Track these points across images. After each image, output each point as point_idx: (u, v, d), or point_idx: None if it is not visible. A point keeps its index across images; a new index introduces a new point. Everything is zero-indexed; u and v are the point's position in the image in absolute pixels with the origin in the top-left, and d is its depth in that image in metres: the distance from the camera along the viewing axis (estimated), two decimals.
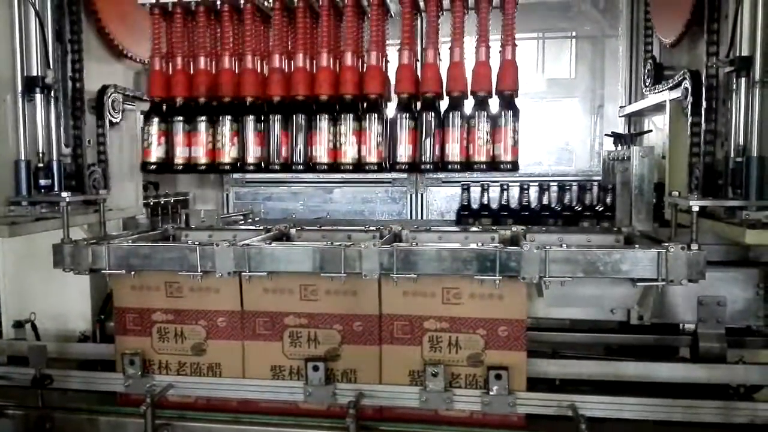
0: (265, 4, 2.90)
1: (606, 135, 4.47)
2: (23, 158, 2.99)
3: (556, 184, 4.10)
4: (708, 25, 2.81)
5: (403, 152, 2.74)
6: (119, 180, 3.57)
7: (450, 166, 2.74)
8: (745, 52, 2.50)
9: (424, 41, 2.82)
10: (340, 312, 2.70)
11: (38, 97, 3.05)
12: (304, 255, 2.55)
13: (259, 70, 2.91)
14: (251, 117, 2.87)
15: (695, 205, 2.38)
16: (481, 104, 2.72)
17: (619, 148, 3.87)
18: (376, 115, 2.76)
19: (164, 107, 2.94)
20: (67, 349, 3.18)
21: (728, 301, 2.85)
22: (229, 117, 2.87)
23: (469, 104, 2.77)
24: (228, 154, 2.89)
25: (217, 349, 2.80)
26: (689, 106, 2.94)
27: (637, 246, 2.52)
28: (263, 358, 2.77)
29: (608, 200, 3.74)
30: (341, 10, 2.82)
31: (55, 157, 3.12)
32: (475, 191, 4.16)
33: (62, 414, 2.82)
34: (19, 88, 3.00)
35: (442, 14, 2.80)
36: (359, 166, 2.80)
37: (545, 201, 4.02)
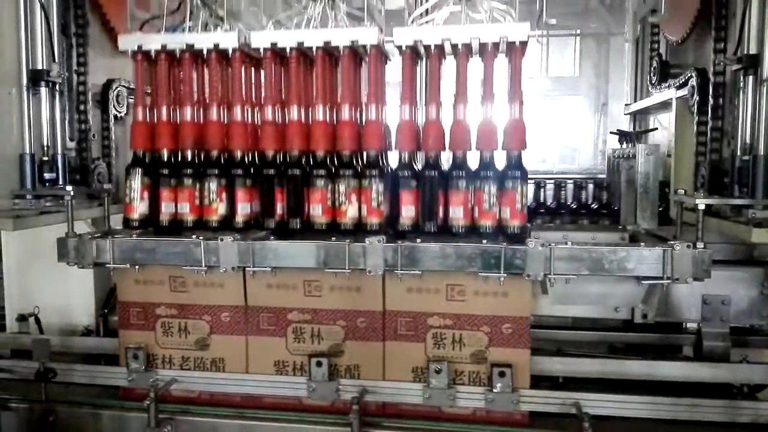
0: (258, 50, 2.68)
1: (611, 133, 4.47)
2: (28, 152, 2.99)
3: (552, 181, 4.08)
4: (715, 22, 2.80)
5: (405, 213, 2.60)
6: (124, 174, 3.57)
7: (454, 230, 2.57)
8: (752, 50, 2.49)
9: (426, 93, 2.66)
10: (343, 308, 2.69)
11: (43, 90, 3.04)
12: (308, 251, 2.54)
13: (250, 121, 2.74)
14: (241, 172, 2.69)
15: (701, 203, 2.37)
16: (487, 165, 2.56)
17: (625, 145, 3.87)
18: (376, 171, 2.60)
19: (147, 160, 2.76)
20: (71, 343, 3.18)
21: (732, 300, 2.84)
22: (216, 171, 2.69)
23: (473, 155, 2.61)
24: (216, 211, 2.71)
25: (220, 343, 2.80)
26: (696, 104, 2.93)
27: (642, 244, 2.51)
28: (267, 354, 2.76)
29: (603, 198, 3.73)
30: (337, 59, 2.67)
31: (59, 151, 3.12)
32: None
33: (65, 408, 2.82)
34: (24, 82, 2.99)
35: (445, 59, 2.62)
36: (360, 226, 2.63)
37: (542, 198, 4.00)
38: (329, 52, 2.64)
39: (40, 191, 2.98)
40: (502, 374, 2.54)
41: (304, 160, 2.68)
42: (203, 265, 2.59)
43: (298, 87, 2.68)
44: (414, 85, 2.65)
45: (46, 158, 3.05)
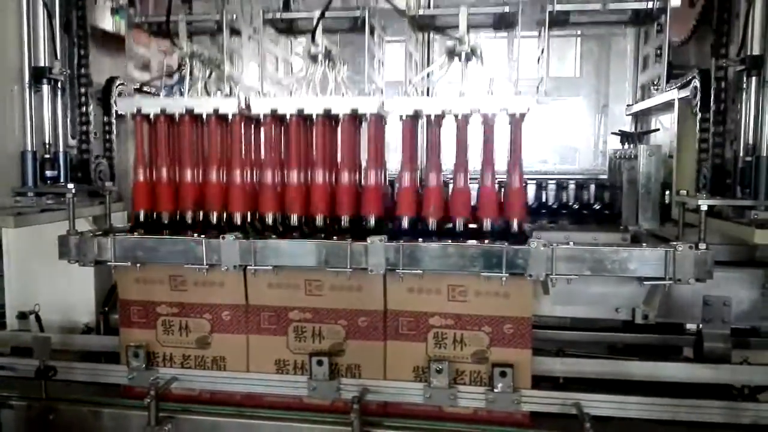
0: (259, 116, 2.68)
1: (613, 133, 4.46)
2: (30, 149, 3.00)
3: (553, 182, 4.08)
4: (718, 24, 2.80)
5: None
6: (125, 172, 3.56)
7: None
8: (756, 51, 2.49)
9: (426, 158, 2.64)
10: (345, 307, 2.69)
11: (45, 88, 3.05)
12: (309, 250, 2.54)
13: (249, 182, 2.73)
14: (239, 235, 2.64)
15: (704, 204, 2.37)
16: (487, 232, 2.55)
17: (626, 146, 3.87)
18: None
19: (149, 221, 2.77)
20: (72, 341, 3.18)
21: (734, 302, 2.84)
22: (216, 234, 2.67)
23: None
24: None
25: (221, 342, 2.80)
26: (698, 105, 2.93)
27: (644, 245, 2.51)
28: (268, 352, 2.76)
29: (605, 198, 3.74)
30: (337, 120, 2.67)
31: (61, 149, 3.13)
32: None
33: (66, 405, 2.82)
34: (27, 79, 3.00)
35: (445, 118, 2.60)
36: None
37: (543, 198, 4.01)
38: (329, 116, 2.63)
39: (41, 189, 2.99)
40: (503, 374, 2.53)
41: (303, 222, 2.68)
42: (205, 263, 2.59)
43: (298, 151, 2.67)
44: (414, 150, 2.66)
45: (47, 156, 3.07)
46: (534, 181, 4.13)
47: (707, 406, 2.54)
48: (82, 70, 3.27)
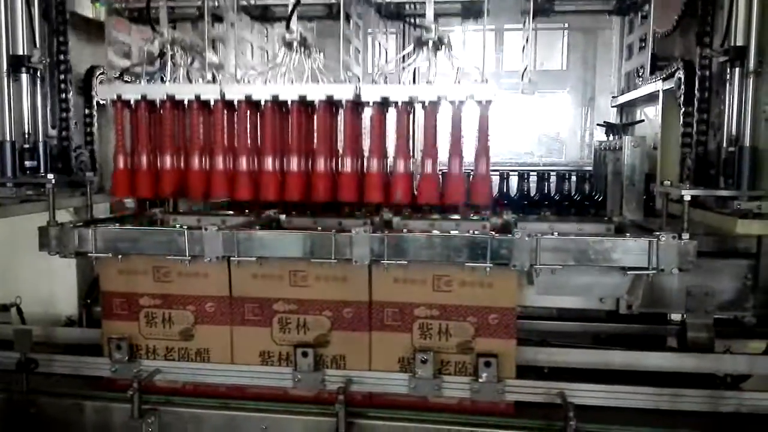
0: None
1: (598, 125, 4.48)
2: (8, 139, 2.94)
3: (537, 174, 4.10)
4: (702, 15, 2.80)
5: None
6: (107, 162, 3.51)
7: None
8: (740, 42, 2.50)
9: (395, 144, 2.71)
10: (330, 298, 2.68)
11: (24, 77, 2.99)
12: (294, 241, 2.53)
13: (230, 168, 2.79)
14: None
15: (687, 195, 2.38)
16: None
17: (611, 138, 3.88)
18: None
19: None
20: (53, 334, 3.15)
21: (716, 292, 2.86)
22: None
23: None
24: None
25: (205, 334, 2.78)
26: (682, 96, 2.94)
27: (628, 235, 2.52)
28: (252, 344, 2.75)
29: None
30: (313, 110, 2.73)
31: (41, 139, 3.08)
32: None
33: (47, 399, 2.79)
34: (5, 68, 2.93)
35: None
36: None
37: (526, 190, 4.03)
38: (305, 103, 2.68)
39: (20, 179, 2.94)
40: (487, 364, 2.54)
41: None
42: (187, 254, 2.57)
43: (273, 138, 2.73)
44: (383, 137, 2.73)
45: (27, 146, 3.01)
46: (516, 173, 4.14)
47: (690, 394, 2.56)
48: (62, 57, 3.21)
